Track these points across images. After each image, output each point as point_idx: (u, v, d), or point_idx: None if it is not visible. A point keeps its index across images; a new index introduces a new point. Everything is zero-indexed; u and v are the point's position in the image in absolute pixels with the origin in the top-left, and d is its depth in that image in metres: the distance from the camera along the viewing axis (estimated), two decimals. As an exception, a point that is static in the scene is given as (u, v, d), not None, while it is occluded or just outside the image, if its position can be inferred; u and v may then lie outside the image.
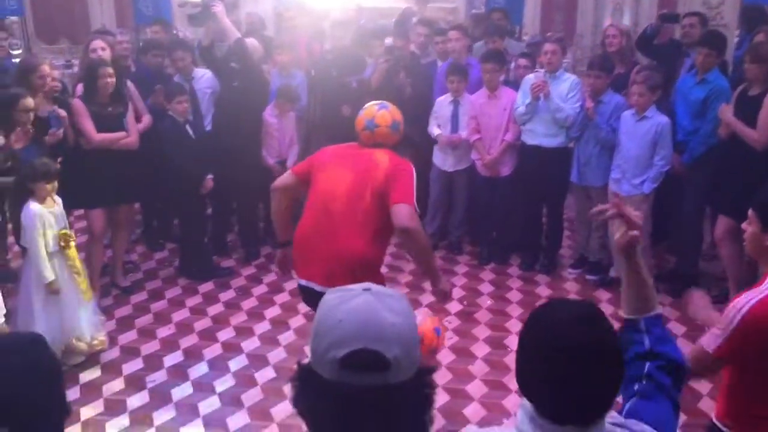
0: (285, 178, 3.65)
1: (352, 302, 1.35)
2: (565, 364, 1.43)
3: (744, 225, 2.49)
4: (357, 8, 7.86)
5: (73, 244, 4.41)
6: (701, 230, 5.48)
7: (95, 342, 4.51)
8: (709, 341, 2.33)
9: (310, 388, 1.34)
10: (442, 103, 5.89)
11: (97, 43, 5.41)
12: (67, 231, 4.38)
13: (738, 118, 4.73)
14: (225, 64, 5.87)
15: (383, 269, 3.85)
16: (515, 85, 5.78)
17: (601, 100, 5.28)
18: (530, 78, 5.51)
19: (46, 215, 4.27)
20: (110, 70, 5.01)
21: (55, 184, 4.33)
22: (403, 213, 3.15)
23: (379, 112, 3.46)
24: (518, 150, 5.74)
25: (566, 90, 5.42)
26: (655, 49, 6.20)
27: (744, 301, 2.29)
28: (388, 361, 1.29)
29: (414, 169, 3.36)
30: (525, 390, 1.51)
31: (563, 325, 1.46)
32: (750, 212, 2.45)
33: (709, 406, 4.05)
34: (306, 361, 1.38)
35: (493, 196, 5.89)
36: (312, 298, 3.33)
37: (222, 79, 5.88)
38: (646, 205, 5.21)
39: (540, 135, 5.50)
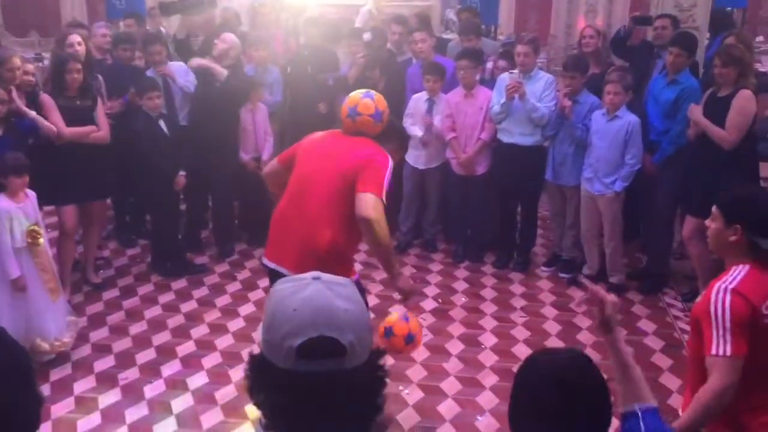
0: (271, 166, 3.71)
1: (305, 291, 1.36)
2: (556, 402, 1.56)
3: (707, 222, 2.55)
4: (331, 5, 7.87)
5: (41, 240, 4.33)
6: (672, 229, 5.57)
7: (57, 343, 4.40)
8: (718, 349, 2.29)
9: (266, 378, 1.36)
10: (417, 101, 5.90)
11: (74, 38, 5.33)
12: (36, 227, 4.30)
13: (708, 119, 4.80)
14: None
15: (357, 265, 3.86)
16: (491, 84, 5.81)
17: (576, 100, 5.34)
18: (505, 78, 5.55)
19: (14, 210, 4.20)
20: (78, 65, 4.96)
21: (26, 178, 4.26)
22: (366, 202, 3.12)
23: (362, 100, 3.44)
24: (493, 149, 5.78)
25: (541, 89, 5.46)
26: (628, 51, 6.29)
27: (722, 294, 2.34)
28: (343, 346, 1.32)
29: (391, 161, 3.34)
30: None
31: (555, 366, 1.63)
32: (714, 209, 2.51)
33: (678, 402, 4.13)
34: (257, 351, 1.39)
35: (468, 195, 5.92)
36: None
37: (200, 75, 5.83)
38: (618, 203, 5.28)
39: (515, 134, 5.54)
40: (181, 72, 5.83)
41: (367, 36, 6.23)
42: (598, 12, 10.37)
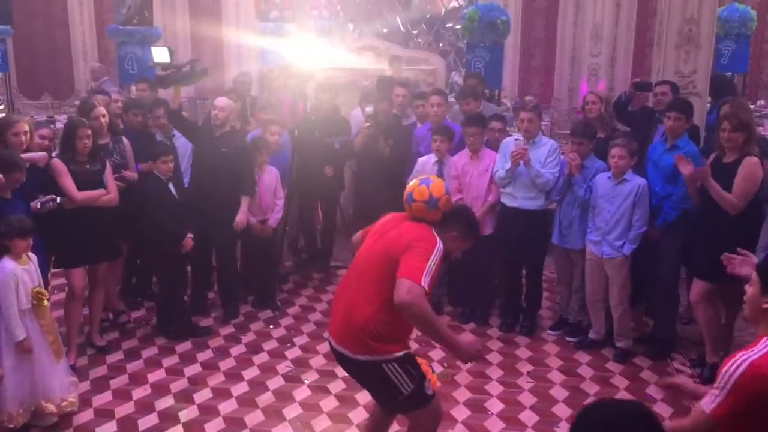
0: (356, 237, 3.81)
1: None
2: None
3: (746, 287, 2.54)
4: (339, 69, 8.03)
5: (46, 302, 4.35)
6: (677, 294, 5.54)
7: (64, 404, 4.42)
8: (707, 401, 2.36)
9: None
10: (426, 164, 5.96)
11: (99, 111, 5.45)
12: (41, 289, 4.32)
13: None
14: (199, 129, 5.96)
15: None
16: (492, 147, 5.88)
17: (583, 165, 5.39)
18: (509, 142, 5.62)
19: (19, 272, 4.21)
20: (88, 131, 5.09)
21: (30, 241, 4.28)
22: (400, 287, 3.08)
23: (419, 187, 3.45)
24: (497, 212, 5.82)
25: (545, 155, 5.53)
26: (630, 116, 6.38)
27: (739, 361, 2.32)
28: None
29: (440, 246, 3.26)
30: None
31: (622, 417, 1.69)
32: (753, 273, 2.50)
33: None
34: None
35: (474, 256, 5.92)
36: (335, 353, 3.47)
37: (198, 141, 5.93)
38: (626, 267, 5.28)
39: (519, 198, 5.59)
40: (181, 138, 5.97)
41: (369, 110, 6.35)
42: (600, 76, 10.56)
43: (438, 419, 3.50)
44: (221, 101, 5.93)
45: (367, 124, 6.12)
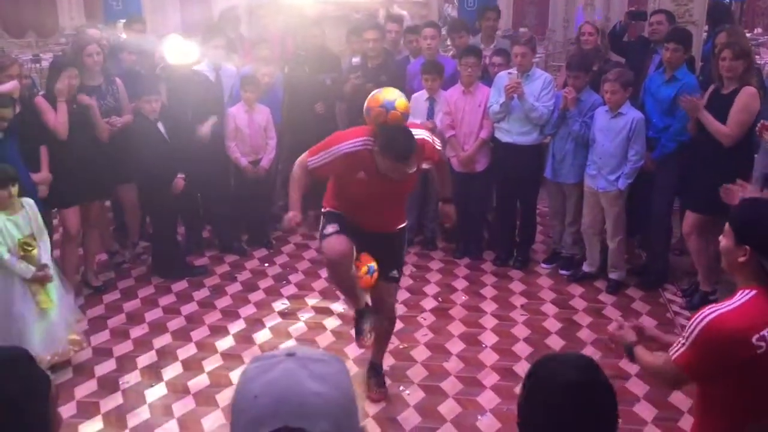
0: None
1: (270, 373, 1.18)
2: (566, 403, 1.61)
3: (720, 237, 2.42)
4: (331, 3, 7.82)
5: (34, 252, 4.21)
6: (670, 225, 5.57)
7: (48, 357, 4.26)
8: (673, 347, 2.33)
9: None
10: (418, 100, 5.89)
11: (93, 48, 5.30)
12: (28, 239, 4.19)
13: (712, 116, 4.78)
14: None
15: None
16: (489, 82, 5.80)
17: (578, 98, 5.32)
18: (503, 76, 5.54)
19: (1, 222, 4.10)
20: (75, 71, 4.98)
21: (11, 189, 4.11)
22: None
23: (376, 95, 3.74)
24: (492, 147, 5.78)
25: (539, 88, 5.45)
26: (624, 46, 6.28)
27: (707, 313, 2.24)
28: None
29: (343, 142, 3.69)
30: None
31: (565, 368, 1.68)
32: (726, 225, 2.39)
33: (645, 411, 4.13)
34: None
35: (468, 192, 5.92)
36: None
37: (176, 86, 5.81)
38: (622, 200, 5.29)
39: (514, 133, 5.54)
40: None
41: (356, 60, 6.19)
42: (596, 6, 10.34)
43: (331, 254, 3.75)
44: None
45: (355, 75, 5.99)
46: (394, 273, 4.01)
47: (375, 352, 4.26)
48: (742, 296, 2.25)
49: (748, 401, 2.27)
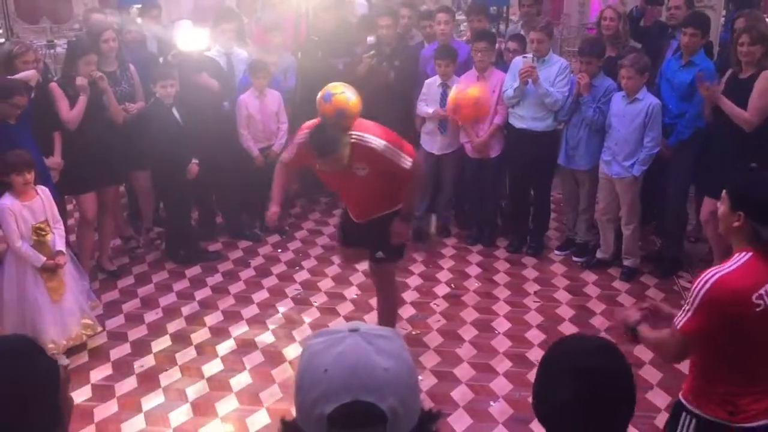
0: None
1: (338, 347, 1.18)
2: (585, 386, 1.59)
3: (718, 204, 2.57)
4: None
5: (48, 237, 4.25)
6: (686, 212, 5.52)
7: (54, 345, 4.25)
8: (678, 317, 2.42)
9: None
10: (431, 85, 5.85)
11: (109, 35, 5.32)
12: (42, 225, 4.23)
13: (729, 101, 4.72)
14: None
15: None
16: (504, 67, 5.75)
17: (592, 84, 5.27)
18: (518, 61, 5.48)
19: (17, 208, 4.13)
20: (94, 56, 4.99)
21: (28, 176, 4.14)
22: None
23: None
24: (506, 134, 5.74)
25: (554, 74, 5.40)
26: (641, 31, 6.20)
27: (708, 276, 2.37)
28: (383, 413, 1.14)
29: (300, 141, 3.87)
30: (544, 420, 1.66)
31: (585, 352, 1.67)
32: (723, 192, 2.53)
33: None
34: (291, 417, 1.25)
35: (482, 178, 5.89)
36: None
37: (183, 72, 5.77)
38: (636, 187, 5.25)
39: (528, 119, 5.50)
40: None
41: (371, 39, 6.15)
42: (613, -10, 10.22)
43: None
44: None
45: (369, 54, 5.95)
46: (380, 254, 4.15)
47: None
48: (738, 258, 2.40)
49: (744, 360, 2.42)
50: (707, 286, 2.34)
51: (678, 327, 2.40)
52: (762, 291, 2.34)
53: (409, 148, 3.96)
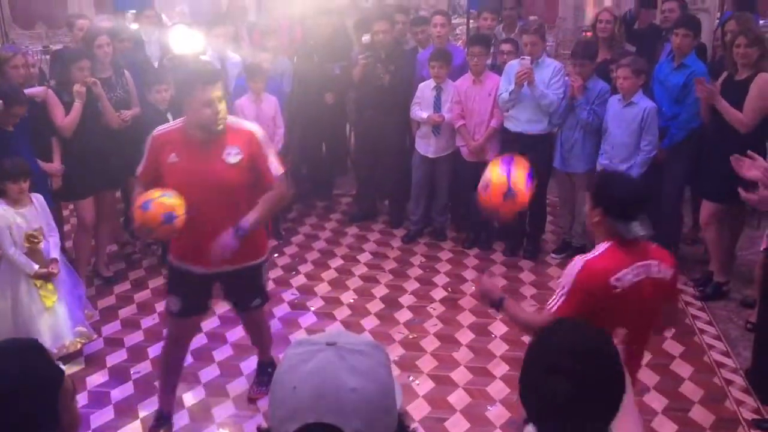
0: None
1: (309, 363, 1.16)
2: (583, 368, 1.62)
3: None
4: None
5: (41, 245, 4.25)
6: (680, 215, 5.53)
7: (54, 351, 4.21)
8: (552, 302, 2.63)
9: None
10: (425, 89, 5.87)
11: (103, 40, 5.28)
12: (35, 232, 4.22)
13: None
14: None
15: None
16: (500, 70, 5.76)
17: (585, 86, 5.28)
18: (514, 64, 5.50)
19: (10, 216, 4.13)
20: (88, 62, 4.99)
21: (24, 184, 4.15)
22: None
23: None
24: (501, 138, 5.74)
25: (549, 76, 5.41)
26: (636, 34, 6.22)
27: (577, 262, 2.63)
28: None
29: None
30: (536, 411, 1.70)
31: (580, 333, 1.73)
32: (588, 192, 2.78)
33: (654, 399, 4.11)
34: (264, 426, 1.25)
35: (478, 182, 5.88)
36: None
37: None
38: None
39: (523, 122, 5.51)
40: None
41: (366, 38, 6.15)
42: (607, -7, 10.25)
43: (174, 336, 3.86)
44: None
45: (364, 55, 5.96)
46: (257, 302, 3.90)
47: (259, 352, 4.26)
48: (600, 247, 2.68)
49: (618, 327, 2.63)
50: (577, 269, 2.60)
51: (553, 310, 2.61)
52: (619, 274, 2.58)
53: (281, 162, 3.63)
